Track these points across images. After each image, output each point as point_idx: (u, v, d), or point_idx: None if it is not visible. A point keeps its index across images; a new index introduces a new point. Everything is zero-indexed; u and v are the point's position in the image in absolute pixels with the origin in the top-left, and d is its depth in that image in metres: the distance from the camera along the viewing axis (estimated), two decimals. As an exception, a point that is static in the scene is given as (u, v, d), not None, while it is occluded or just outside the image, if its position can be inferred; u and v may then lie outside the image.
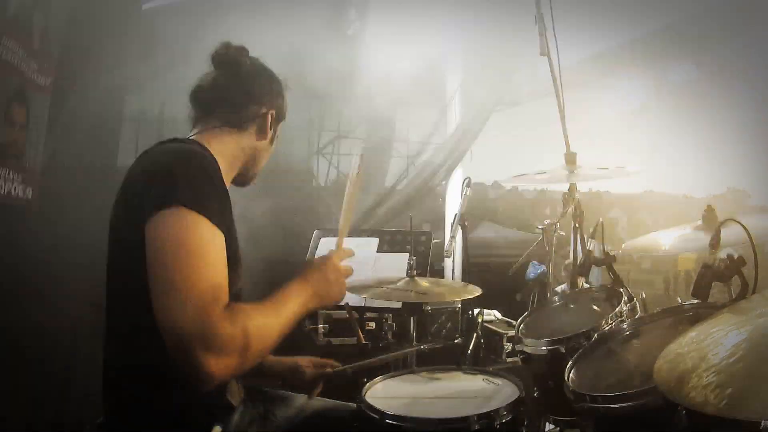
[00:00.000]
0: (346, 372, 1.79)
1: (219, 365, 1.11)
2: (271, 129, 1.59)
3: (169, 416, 1.28)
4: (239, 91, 1.55)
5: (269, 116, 1.58)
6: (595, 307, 1.89)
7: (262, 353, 1.25)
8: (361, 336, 1.94)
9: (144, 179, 1.30)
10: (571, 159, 2.16)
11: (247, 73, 1.57)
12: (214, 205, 1.25)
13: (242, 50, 1.61)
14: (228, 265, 1.25)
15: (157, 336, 1.12)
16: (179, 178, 1.24)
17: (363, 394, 1.66)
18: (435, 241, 2.98)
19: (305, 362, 1.81)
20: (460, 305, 3.08)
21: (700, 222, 2.07)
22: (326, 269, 1.47)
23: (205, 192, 1.25)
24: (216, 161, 1.42)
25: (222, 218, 1.25)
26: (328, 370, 1.81)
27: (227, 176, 1.53)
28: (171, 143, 1.43)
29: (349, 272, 1.53)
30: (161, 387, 1.20)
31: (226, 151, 1.51)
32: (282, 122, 1.67)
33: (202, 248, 1.18)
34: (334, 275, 1.47)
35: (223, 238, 1.24)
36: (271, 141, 1.63)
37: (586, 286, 2.13)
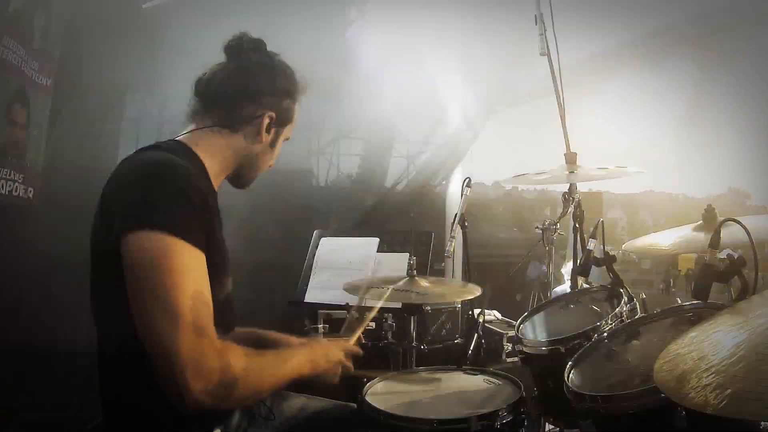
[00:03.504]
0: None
1: (208, 392, 1.11)
2: (268, 133, 1.49)
3: (168, 419, 1.28)
4: (236, 88, 1.45)
5: (266, 119, 1.46)
6: (595, 307, 1.89)
7: (248, 395, 1.25)
8: (361, 336, 1.94)
9: (117, 196, 1.26)
10: (571, 159, 2.16)
11: (251, 70, 1.47)
12: (190, 222, 1.19)
13: (256, 43, 1.51)
14: (213, 274, 1.23)
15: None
16: (150, 198, 1.19)
17: (363, 394, 1.66)
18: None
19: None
20: (460, 305, 3.08)
21: (700, 222, 2.07)
22: (331, 348, 1.52)
23: (178, 211, 1.19)
24: (200, 167, 1.38)
25: (199, 234, 1.21)
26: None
27: (218, 176, 1.48)
28: (150, 151, 1.36)
29: (348, 367, 1.57)
30: (156, 391, 1.19)
31: (216, 152, 1.44)
32: (290, 125, 1.56)
33: (180, 271, 1.14)
34: (336, 357, 1.52)
35: (202, 256, 1.20)
36: (272, 145, 1.53)
37: (585, 286, 2.13)
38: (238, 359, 1.20)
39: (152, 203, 1.19)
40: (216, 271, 1.27)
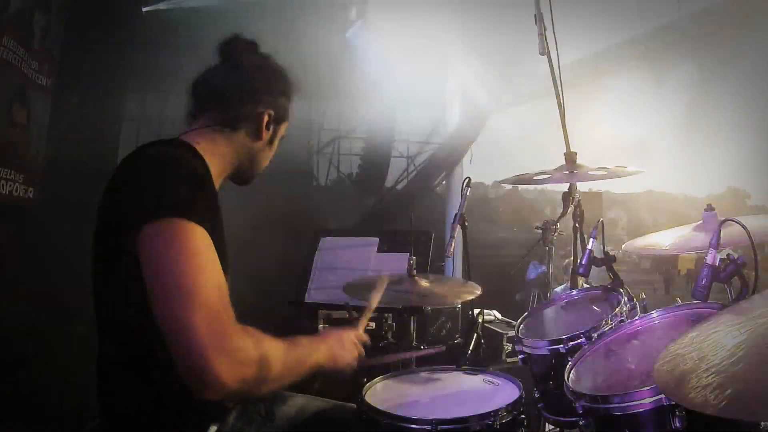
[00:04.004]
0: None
1: (232, 372, 1.09)
2: (268, 130, 1.51)
3: (163, 418, 1.28)
4: (235, 87, 1.47)
5: (266, 116, 1.49)
6: (595, 308, 1.89)
7: (275, 380, 1.24)
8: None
9: (128, 190, 1.27)
10: (571, 159, 2.15)
11: (247, 69, 1.49)
12: (203, 210, 1.22)
13: (249, 44, 1.54)
14: None
15: (149, 340, 1.12)
16: (164, 187, 1.21)
17: (363, 394, 1.66)
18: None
19: None
20: (460, 305, 3.09)
21: (700, 222, 2.07)
22: (344, 335, 1.53)
23: (192, 198, 1.22)
24: (203, 162, 1.39)
25: (211, 223, 1.23)
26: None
27: (219, 175, 1.49)
28: (154, 146, 1.38)
29: (362, 352, 1.58)
30: (154, 389, 1.19)
31: (216, 150, 1.45)
32: (285, 123, 1.59)
33: (201, 253, 1.16)
34: (350, 343, 1.53)
35: (212, 242, 1.21)
36: (270, 142, 1.56)
37: (586, 286, 2.13)
38: (263, 340, 1.19)
39: (166, 192, 1.20)
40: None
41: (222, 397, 1.11)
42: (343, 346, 1.50)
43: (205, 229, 1.19)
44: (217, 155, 1.45)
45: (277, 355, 1.22)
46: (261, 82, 1.51)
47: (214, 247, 1.21)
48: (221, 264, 1.31)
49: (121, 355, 1.29)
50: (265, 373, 1.18)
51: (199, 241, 1.17)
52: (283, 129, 1.59)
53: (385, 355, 1.88)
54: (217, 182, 1.48)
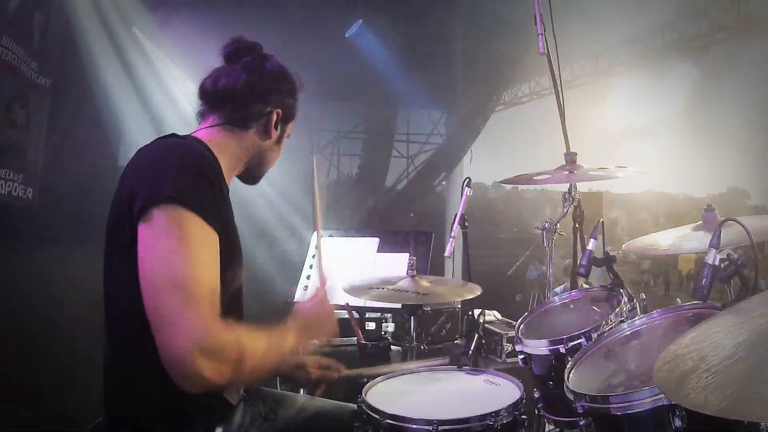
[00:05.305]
0: (349, 376, 1.79)
1: (213, 369, 1.11)
2: (276, 129, 1.54)
3: (168, 416, 1.28)
4: (245, 88, 1.49)
5: (274, 116, 1.52)
6: (595, 308, 1.89)
7: (254, 373, 1.26)
8: (361, 336, 1.94)
9: (136, 176, 1.29)
10: (571, 159, 2.15)
11: (253, 70, 1.51)
12: (208, 202, 1.23)
13: (253, 46, 1.57)
14: (226, 263, 1.25)
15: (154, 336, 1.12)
16: (171, 174, 1.22)
17: (363, 394, 1.66)
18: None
19: (311, 362, 1.81)
20: (460, 305, 3.08)
21: (700, 222, 2.07)
22: (314, 305, 1.56)
23: (198, 189, 1.23)
24: (215, 159, 1.40)
25: (217, 216, 1.24)
26: (334, 374, 1.80)
27: (230, 173, 1.51)
28: (168, 139, 1.41)
29: (336, 330, 1.59)
30: (160, 387, 1.19)
31: (227, 149, 1.48)
32: (292, 122, 1.62)
33: (196, 244, 1.17)
34: (324, 310, 1.56)
35: (217, 238, 1.23)
36: (278, 141, 1.59)
37: (586, 286, 2.13)
38: (243, 335, 1.21)
39: (173, 180, 1.21)
40: (231, 261, 1.29)
41: (202, 390, 1.12)
42: (318, 316, 1.53)
43: (209, 222, 1.20)
44: (228, 153, 1.48)
45: (257, 348, 1.24)
46: (269, 82, 1.53)
47: (214, 241, 1.22)
48: (235, 257, 1.32)
49: (127, 352, 1.29)
50: (245, 367, 1.19)
51: (196, 231, 1.18)
52: (289, 128, 1.62)
53: (385, 364, 1.87)
54: (228, 180, 1.50)
